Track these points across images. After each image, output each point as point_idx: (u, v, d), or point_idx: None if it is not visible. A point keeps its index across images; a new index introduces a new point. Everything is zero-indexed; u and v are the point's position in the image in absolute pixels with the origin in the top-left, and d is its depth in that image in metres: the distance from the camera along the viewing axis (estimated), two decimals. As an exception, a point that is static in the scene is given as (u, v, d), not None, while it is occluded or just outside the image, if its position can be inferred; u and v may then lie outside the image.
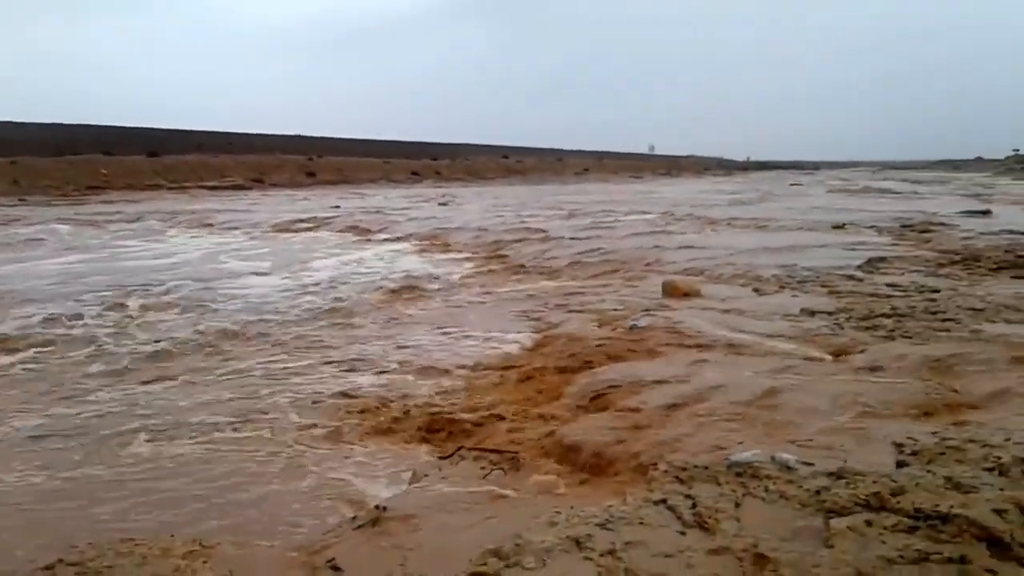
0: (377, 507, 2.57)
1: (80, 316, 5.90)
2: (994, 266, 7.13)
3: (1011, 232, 10.27)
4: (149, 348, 4.95)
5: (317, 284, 7.45)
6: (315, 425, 3.47)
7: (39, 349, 4.95)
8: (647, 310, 5.51)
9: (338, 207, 18.50)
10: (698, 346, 4.45)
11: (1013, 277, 6.65)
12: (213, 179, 31.41)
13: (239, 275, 8.01)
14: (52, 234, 12.31)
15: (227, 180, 31.68)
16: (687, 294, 6.17)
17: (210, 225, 13.84)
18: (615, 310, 5.68)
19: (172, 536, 2.41)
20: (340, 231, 13.00)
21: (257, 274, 8.14)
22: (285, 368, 4.48)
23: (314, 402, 3.79)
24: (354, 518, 2.54)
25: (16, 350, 4.92)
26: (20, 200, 20.80)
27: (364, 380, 4.13)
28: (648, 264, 8.23)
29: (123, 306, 6.32)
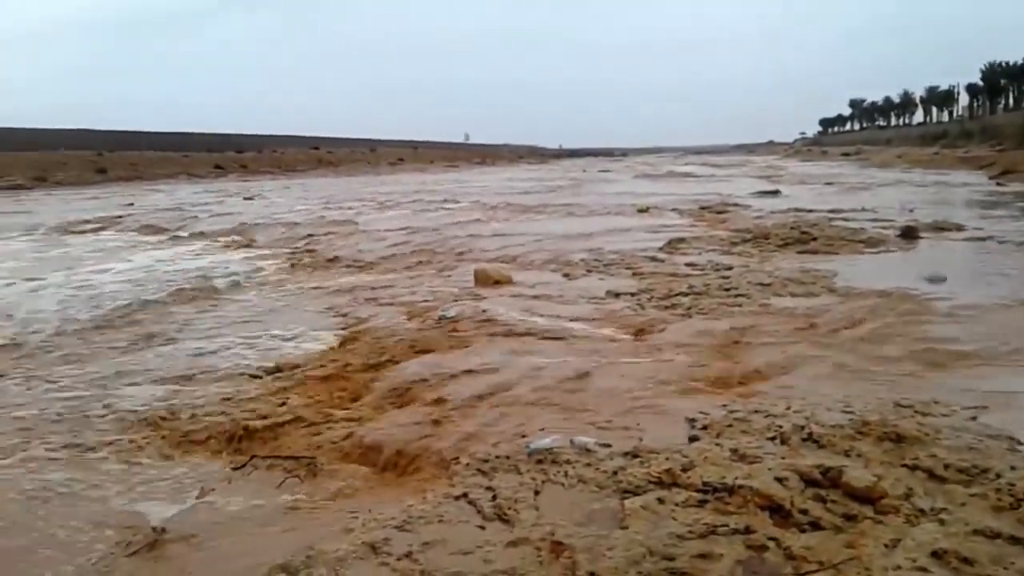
0: (155, 529, 2.34)
1: None
2: (781, 243, 7.67)
3: (796, 210, 11.15)
4: None
5: (99, 290, 6.79)
6: (87, 445, 3.11)
7: None
8: (457, 299, 5.46)
9: (132, 204, 17.24)
10: (507, 334, 4.44)
11: (798, 252, 7.18)
12: (-11, 179, 28.53)
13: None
14: None
15: (5, 180, 28.86)
16: (498, 282, 6.17)
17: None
18: (426, 301, 5.58)
19: None
20: (132, 231, 12.07)
21: (30, 280, 7.35)
22: (56, 383, 4.00)
23: (85, 419, 3.40)
24: (128, 544, 2.29)
25: None
26: None
27: (150, 391, 3.77)
28: (461, 254, 8.20)
29: None
